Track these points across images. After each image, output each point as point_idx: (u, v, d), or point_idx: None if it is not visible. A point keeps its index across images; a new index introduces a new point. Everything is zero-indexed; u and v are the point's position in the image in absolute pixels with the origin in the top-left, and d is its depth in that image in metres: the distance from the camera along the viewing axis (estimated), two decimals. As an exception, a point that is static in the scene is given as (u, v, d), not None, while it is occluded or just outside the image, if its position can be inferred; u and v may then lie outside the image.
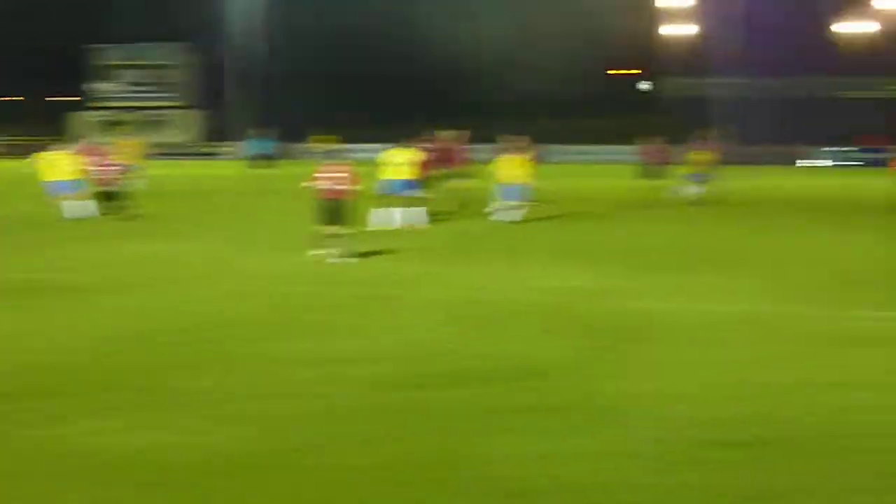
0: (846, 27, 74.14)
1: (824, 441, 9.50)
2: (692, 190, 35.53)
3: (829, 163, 64.66)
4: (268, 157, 49.74)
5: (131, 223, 28.04)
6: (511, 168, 28.84)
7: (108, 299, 16.60)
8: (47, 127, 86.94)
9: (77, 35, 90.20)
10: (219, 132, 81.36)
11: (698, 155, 35.70)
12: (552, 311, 15.69)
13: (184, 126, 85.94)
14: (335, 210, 20.89)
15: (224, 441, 9.46)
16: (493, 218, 28.57)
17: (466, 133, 33.67)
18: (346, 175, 21.20)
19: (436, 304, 16.27)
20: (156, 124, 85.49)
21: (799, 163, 64.76)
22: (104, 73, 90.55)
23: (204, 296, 17.04)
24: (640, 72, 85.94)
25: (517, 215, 28.32)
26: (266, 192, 39.37)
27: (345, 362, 12.33)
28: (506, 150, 30.22)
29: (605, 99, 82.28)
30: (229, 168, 56.51)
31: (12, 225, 27.99)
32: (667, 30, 76.02)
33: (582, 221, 29.51)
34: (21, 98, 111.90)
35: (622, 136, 55.68)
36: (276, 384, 11.36)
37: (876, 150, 62.89)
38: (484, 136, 41.92)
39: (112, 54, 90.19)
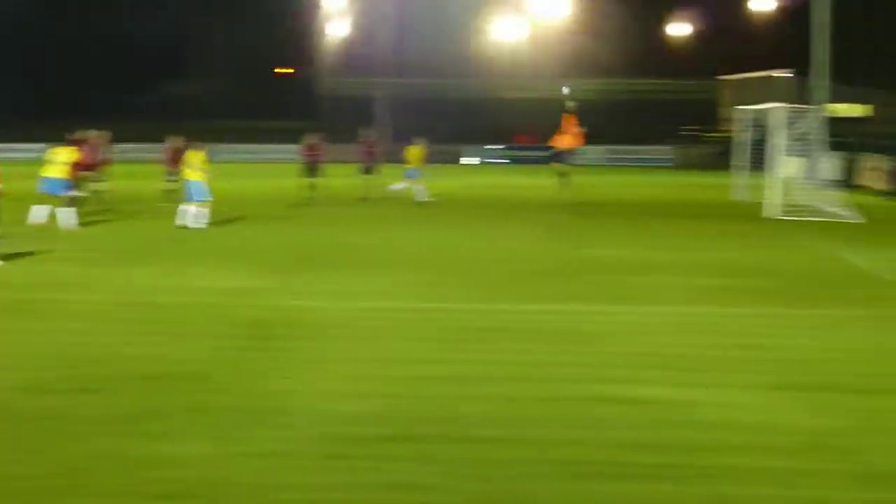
0: (501, 33, 77.11)
1: (460, 434, 10.11)
2: (400, 187, 36.92)
3: (477, 161, 67.05)
4: None
5: None
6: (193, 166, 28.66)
7: None
8: None
9: None
10: None
11: (411, 152, 36.78)
12: (208, 313, 15.82)
13: None
14: None
15: None
16: (180, 222, 28.03)
17: (107, 134, 34.13)
18: None
19: (94, 307, 16.14)
20: None
21: (463, 160, 66.79)
22: None
23: None
24: (300, 70, 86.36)
25: (201, 221, 28.00)
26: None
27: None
28: (178, 150, 30.22)
29: (274, 98, 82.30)
30: None
31: None
32: (330, 29, 76.83)
33: (243, 222, 29.57)
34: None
35: (290, 135, 55.94)
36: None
37: (524, 149, 66.18)
38: (154, 136, 41.65)
39: None
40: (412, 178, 36.92)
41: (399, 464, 9.21)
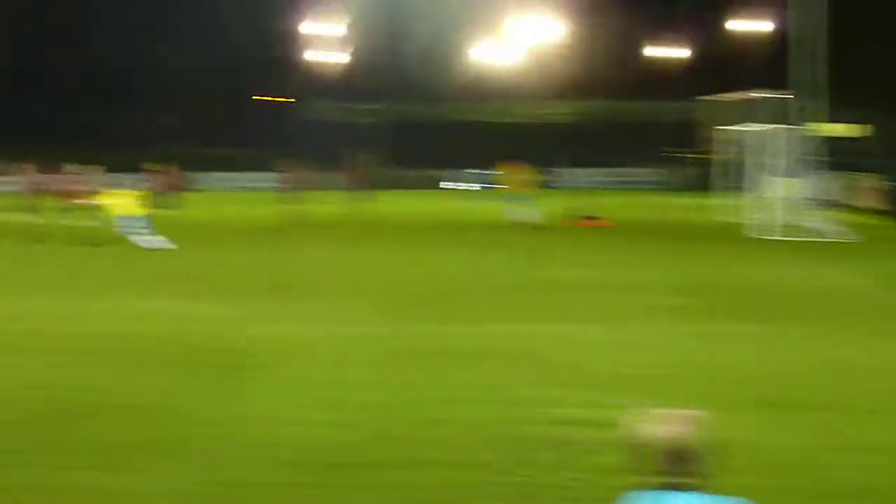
0: (484, 55, 76.92)
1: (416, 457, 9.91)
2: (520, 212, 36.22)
3: (451, 186, 66.85)
4: None
5: None
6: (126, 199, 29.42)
7: None
8: None
9: None
10: None
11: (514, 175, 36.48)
12: (159, 340, 15.58)
13: None
14: None
15: None
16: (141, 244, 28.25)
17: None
18: None
19: (39, 337, 15.76)
20: None
21: (443, 185, 66.58)
22: None
23: None
24: (285, 97, 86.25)
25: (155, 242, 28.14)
26: None
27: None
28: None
29: (252, 124, 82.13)
30: None
31: None
32: (313, 55, 76.63)
33: (212, 248, 29.35)
34: None
35: (267, 161, 55.72)
36: None
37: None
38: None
39: None
40: (518, 201, 36.46)
41: (356, 491, 9.16)
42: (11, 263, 25.71)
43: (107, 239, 28.63)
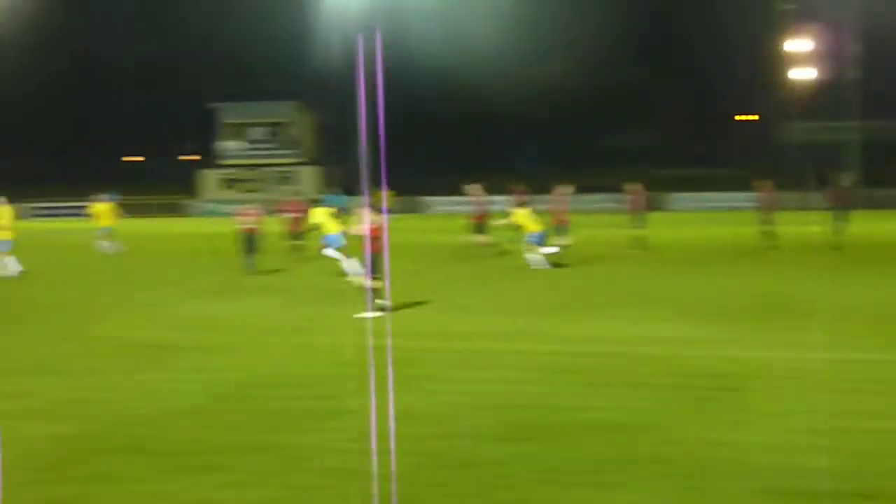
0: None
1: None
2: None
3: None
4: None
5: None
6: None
7: (198, 358, 16.72)
8: (175, 185, 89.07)
9: (203, 93, 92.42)
10: (345, 187, 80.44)
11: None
12: (637, 361, 15.46)
13: (306, 182, 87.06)
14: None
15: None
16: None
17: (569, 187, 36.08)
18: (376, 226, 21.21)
19: (528, 356, 15.96)
20: (279, 181, 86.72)
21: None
22: (229, 131, 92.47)
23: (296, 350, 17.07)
24: (760, 117, 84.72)
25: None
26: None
27: (442, 418, 12.21)
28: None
29: (731, 145, 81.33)
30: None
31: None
32: (793, 74, 74.69)
33: (686, 269, 28.97)
34: (141, 158, 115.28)
35: (744, 182, 54.95)
36: (380, 440, 10.85)
37: None
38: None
39: (235, 112, 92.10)
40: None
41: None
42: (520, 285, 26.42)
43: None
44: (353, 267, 26.25)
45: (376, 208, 21.66)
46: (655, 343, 17.03)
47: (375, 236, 20.95)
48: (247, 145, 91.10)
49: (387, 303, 20.66)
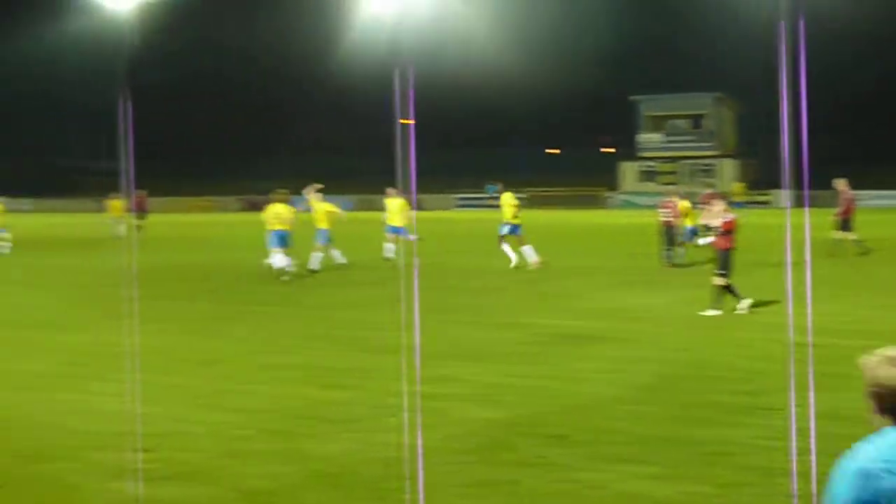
0: None
1: None
2: None
3: None
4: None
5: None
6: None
7: (616, 348, 16.91)
8: (596, 177, 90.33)
9: (623, 86, 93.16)
10: (766, 181, 78.17)
11: None
12: None
13: (725, 175, 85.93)
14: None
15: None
16: None
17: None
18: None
19: None
20: (697, 174, 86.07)
21: None
22: (649, 124, 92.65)
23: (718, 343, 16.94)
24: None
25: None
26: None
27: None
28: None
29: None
30: (764, 216, 55.47)
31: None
32: None
33: None
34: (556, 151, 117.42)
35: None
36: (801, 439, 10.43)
37: None
38: None
39: (655, 105, 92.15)
40: None
41: None
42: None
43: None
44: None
45: (730, 202, 21.54)
46: None
47: (728, 230, 20.70)
48: (665, 137, 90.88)
49: (745, 301, 20.60)
